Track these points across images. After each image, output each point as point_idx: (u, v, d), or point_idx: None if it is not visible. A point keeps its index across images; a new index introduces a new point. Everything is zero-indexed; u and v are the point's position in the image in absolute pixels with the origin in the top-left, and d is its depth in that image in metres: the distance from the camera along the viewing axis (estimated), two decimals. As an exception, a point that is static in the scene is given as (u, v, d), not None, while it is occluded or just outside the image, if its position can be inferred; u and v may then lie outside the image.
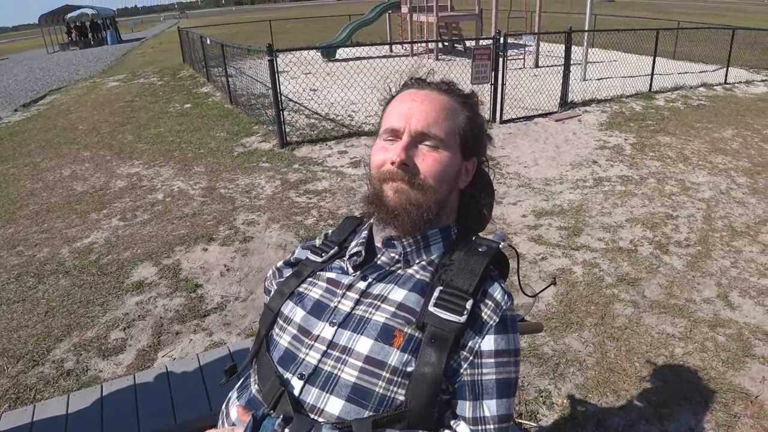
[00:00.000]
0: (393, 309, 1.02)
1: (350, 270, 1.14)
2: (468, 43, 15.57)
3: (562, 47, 8.96)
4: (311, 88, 10.05)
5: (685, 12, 36.41)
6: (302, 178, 6.08)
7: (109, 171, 6.66)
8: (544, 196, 5.43)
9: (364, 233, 1.19)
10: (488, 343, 1.00)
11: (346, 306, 1.06)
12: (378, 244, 1.16)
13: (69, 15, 33.57)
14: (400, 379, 0.96)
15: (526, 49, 13.26)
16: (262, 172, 6.31)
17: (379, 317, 1.01)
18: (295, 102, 9.58)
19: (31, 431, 2.08)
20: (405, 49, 16.40)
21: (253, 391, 1.06)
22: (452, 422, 1.00)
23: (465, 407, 1.00)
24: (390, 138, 1.10)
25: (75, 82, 15.19)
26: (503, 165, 6.34)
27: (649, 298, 3.65)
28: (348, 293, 1.08)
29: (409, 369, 0.96)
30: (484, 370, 0.99)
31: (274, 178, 6.09)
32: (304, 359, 1.02)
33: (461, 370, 0.99)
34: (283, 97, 7.33)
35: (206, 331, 3.43)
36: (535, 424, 2.58)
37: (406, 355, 0.97)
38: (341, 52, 15.19)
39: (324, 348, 1.01)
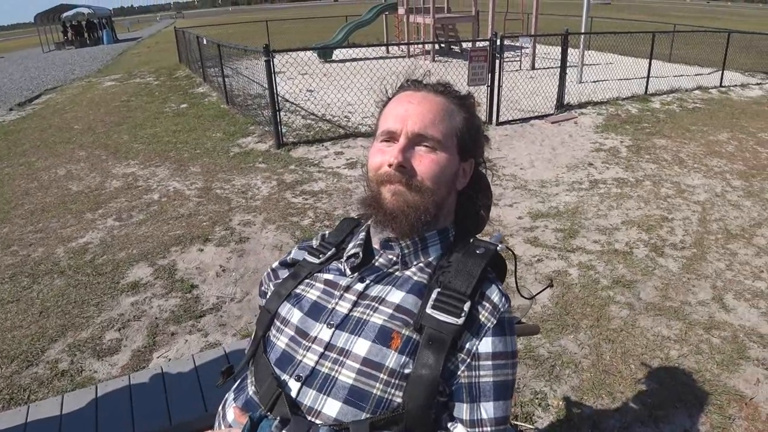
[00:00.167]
0: (390, 311, 1.02)
1: (348, 271, 1.14)
2: (464, 45, 15.58)
3: (558, 49, 8.98)
4: (308, 88, 10.05)
5: (681, 15, 36.55)
6: (298, 178, 6.07)
7: (104, 171, 6.64)
8: (540, 198, 5.44)
9: (362, 235, 1.19)
10: (486, 345, 1.00)
11: (343, 308, 1.06)
12: (376, 245, 1.16)
13: (65, 14, 33.46)
14: (397, 381, 0.96)
15: (523, 51, 13.29)
16: (258, 173, 6.30)
17: (377, 319, 1.01)
18: (292, 103, 9.58)
19: (25, 432, 2.07)
20: (402, 51, 16.41)
21: (250, 392, 1.05)
22: (449, 424, 1.00)
23: (462, 409, 1.00)
24: (387, 140, 1.10)
25: (70, 82, 15.14)
26: (499, 167, 6.34)
27: (645, 300, 3.66)
28: (345, 295, 1.08)
29: (407, 371, 0.96)
30: (482, 373, 0.99)
31: (270, 179, 6.08)
32: (301, 361, 1.02)
33: (458, 372, 0.99)
34: (279, 98, 7.32)
35: (202, 331, 3.42)
36: (531, 426, 2.58)
37: (404, 357, 0.97)
38: (338, 53, 15.18)
39: (321, 350, 1.01)
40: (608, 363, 3.03)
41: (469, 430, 0.99)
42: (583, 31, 11.00)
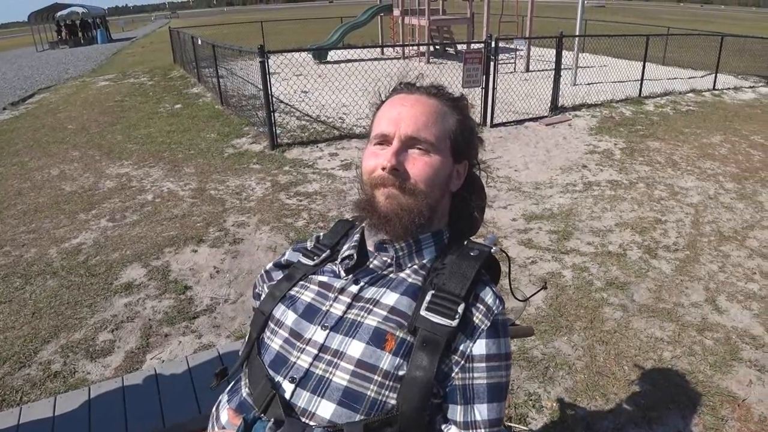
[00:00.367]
0: (385, 313, 1.02)
1: (342, 273, 1.14)
2: (459, 47, 15.60)
3: (552, 52, 9.01)
4: (302, 89, 10.04)
5: (675, 18, 36.72)
6: (293, 180, 6.06)
7: (98, 171, 6.62)
8: (534, 200, 5.45)
9: (356, 237, 1.19)
10: (480, 347, 1.00)
11: (338, 310, 1.06)
12: (370, 247, 1.16)
13: (59, 13, 33.35)
14: (391, 383, 0.96)
15: (517, 53, 13.33)
16: (252, 174, 6.29)
17: (371, 321, 1.01)
18: (286, 104, 9.57)
19: (17, 434, 2.06)
20: (396, 52, 16.42)
21: (244, 394, 1.05)
22: (443, 426, 1.01)
23: (456, 411, 1.00)
24: (380, 143, 1.10)
25: (64, 81, 15.07)
26: (494, 169, 6.35)
27: (638, 302, 3.68)
28: (340, 297, 1.08)
29: (401, 373, 0.96)
30: (476, 374, 1.00)
31: (265, 180, 6.07)
32: (295, 363, 1.02)
33: (452, 374, 0.99)
34: (274, 99, 7.31)
35: (195, 333, 3.41)
36: (524, 428, 2.58)
37: (398, 359, 0.97)
38: (333, 54, 15.18)
39: (315, 351, 1.01)
40: (602, 364, 3.04)
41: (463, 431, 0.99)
42: (577, 33, 11.03)
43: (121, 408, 2.18)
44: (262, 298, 1.23)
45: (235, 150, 7.25)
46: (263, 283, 1.41)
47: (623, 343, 3.23)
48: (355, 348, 0.99)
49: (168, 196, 5.66)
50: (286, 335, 1.07)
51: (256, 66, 7.11)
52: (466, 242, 1.15)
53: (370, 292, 1.07)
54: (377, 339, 0.99)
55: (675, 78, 12.05)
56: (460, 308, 0.99)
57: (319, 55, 14.79)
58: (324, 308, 1.08)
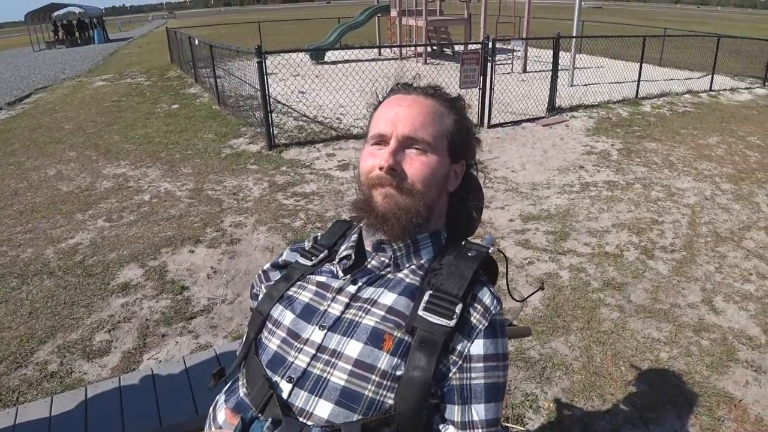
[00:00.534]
0: (383, 313, 1.02)
1: (340, 274, 1.14)
2: (456, 48, 15.62)
3: (550, 53, 9.02)
4: (300, 90, 10.03)
5: (672, 19, 36.81)
6: (290, 180, 6.06)
7: (95, 171, 6.61)
8: (531, 201, 5.46)
9: (354, 237, 1.19)
10: (477, 347, 1.00)
11: (335, 310, 1.06)
12: (368, 248, 1.16)
13: (56, 13, 33.32)
14: (389, 383, 0.96)
15: (515, 54, 13.35)
16: (249, 174, 6.29)
17: (369, 321, 1.02)
18: (284, 104, 9.56)
19: (14, 434, 2.05)
20: (394, 53, 16.43)
21: (241, 394, 1.05)
22: (441, 426, 1.01)
23: (454, 411, 1.00)
24: (378, 143, 1.11)
25: (61, 81, 15.05)
26: (491, 169, 6.36)
27: (635, 302, 3.68)
28: (338, 297, 1.08)
29: (399, 373, 0.96)
30: (473, 374, 1.00)
31: (262, 180, 6.07)
32: (293, 362, 1.02)
33: (450, 374, 0.99)
34: (271, 99, 7.31)
35: (192, 333, 3.41)
36: (522, 428, 2.59)
37: (396, 358, 0.97)
38: (330, 55, 15.18)
39: (313, 351, 1.01)
40: (599, 365, 3.04)
41: (460, 431, 0.99)
42: (574, 34, 11.06)
43: (118, 408, 2.18)
44: (259, 299, 1.22)
45: (232, 150, 7.24)
46: (261, 284, 1.41)
47: (620, 343, 3.23)
48: (353, 348, 0.99)
49: (165, 197, 5.66)
50: (284, 335, 1.07)
51: (254, 66, 7.11)
52: (463, 243, 1.15)
53: (368, 292, 1.07)
54: (375, 339, 0.99)
55: (672, 79, 12.08)
56: (458, 308, 0.99)
57: (317, 55, 14.79)
58: (322, 308, 1.08)
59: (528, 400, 2.77)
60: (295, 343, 1.04)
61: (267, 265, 1.42)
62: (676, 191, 5.73)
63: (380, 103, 1.18)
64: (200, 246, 4.51)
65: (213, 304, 3.72)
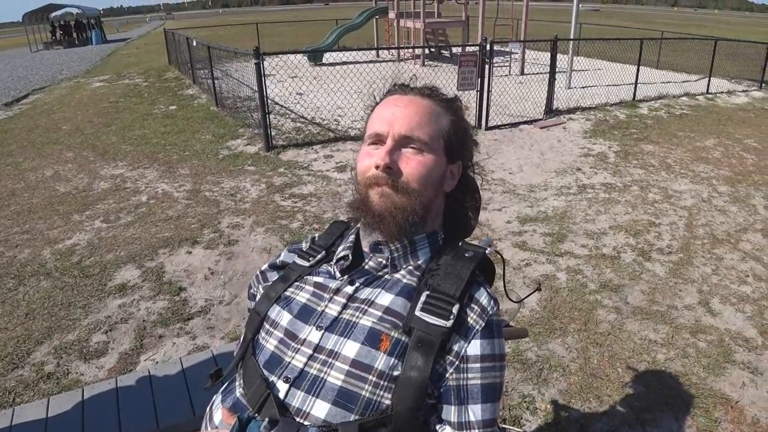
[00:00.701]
0: (380, 313, 1.03)
1: (337, 274, 1.14)
2: (454, 50, 15.65)
3: (547, 55, 9.04)
4: (297, 91, 10.04)
5: (669, 22, 36.91)
6: (288, 181, 6.06)
7: (92, 172, 6.60)
8: (528, 203, 5.47)
9: (351, 237, 1.20)
10: (474, 347, 1.01)
11: (333, 310, 1.06)
12: (365, 248, 1.16)
13: (53, 14, 33.26)
14: (386, 383, 0.96)
15: (512, 56, 13.36)
16: (247, 176, 6.29)
17: (366, 321, 1.02)
18: (282, 105, 9.56)
19: (10, 435, 2.05)
20: (392, 55, 16.45)
21: (238, 394, 1.05)
22: (438, 426, 1.01)
23: (450, 411, 1.00)
24: (375, 143, 1.11)
25: (59, 82, 15.02)
26: (488, 171, 6.35)
27: (632, 304, 3.69)
28: (335, 297, 1.08)
29: (396, 373, 0.96)
30: (470, 375, 1.00)
31: (260, 182, 6.06)
32: (290, 363, 1.02)
33: (447, 375, 1.00)
34: (269, 101, 7.31)
35: (190, 334, 3.40)
36: (519, 430, 2.59)
37: (393, 359, 0.97)
38: (328, 57, 15.19)
39: (310, 352, 1.01)
40: (596, 366, 3.04)
41: (457, 432, 0.99)
42: (572, 37, 11.09)
43: (115, 409, 2.17)
44: (257, 299, 1.22)
45: (230, 151, 7.24)
46: (258, 284, 1.41)
47: (617, 345, 3.24)
48: (350, 348, 0.99)
49: (162, 198, 5.65)
50: (281, 336, 1.07)
51: (252, 68, 7.11)
52: (460, 244, 1.15)
53: (366, 293, 1.08)
54: (372, 339, 0.99)
55: (669, 82, 12.12)
56: (455, 309, 1.00)
57: (315, 57, 14.79)
58: (319, 309, 1.08)
59: (525, 402, 2.77)
60: (293, 344, 1.04)
61: (265, 266, 1.43)
62: (673, 193, 5.74)
63: (377, 103, 1.19)
64: (197, 247, 4.51)
65: (210, 306, 3.72)
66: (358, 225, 1.17)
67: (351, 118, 8.43)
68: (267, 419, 0.95)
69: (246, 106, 9.09)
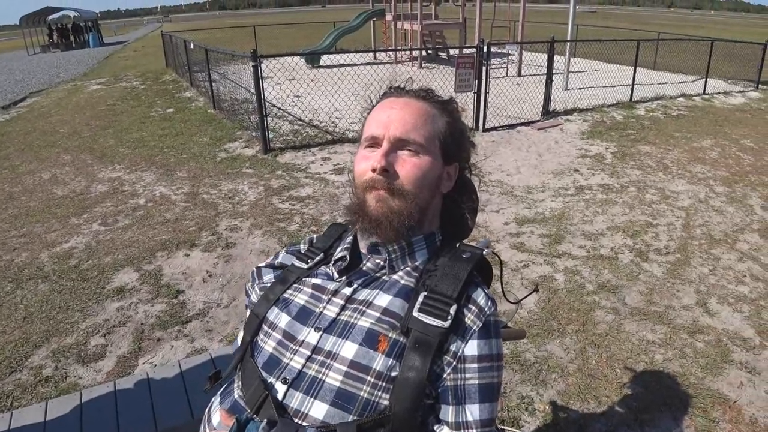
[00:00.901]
0: (378, 314, 1.03)
1: (336, 276, 1.15)
2: (452, 52, 15.67)
3: (544, 56, 9.06)
4: (295, 94, 10.05)
5: (666, 23, 36.99)
6: (285, 184, 6.06)
7: (90, 175, 6.59)
8: (526, 204, 5.47)
9: (349, 239, 1.20)
10: (471, 347, 1.01)
11: (331, 311, 1.07)
12: (363, 250, 1.16)
13: (51, 17, 33.18)
14: (384, 384, 0.96)
15: (509, 58, 13.39)
16: (245, 178, 6.29)
17: (364, 322, 1.02)
18: (279, 108, 9.57)
19: (8, 439, 2.05)
20: (389, 57, 16.46)
21: (236, 396, 1.05)
22: (436, 427, 1.01)
23: (448, 412, 1.00)
24: (371, 146, 1.12)
25: (56, 85, 15.01)
26: (486, 173, 6.37)
27: (630, 305, 3.70)
28: (333, 299, 1.09)
29: (394, 374, 0.97)
30: (467, 375, 1.00)
31: (257, 184, 6.06)
32: (288, 364, 1.02)
33: (445, 375, 1.00)
34: (266, 103, 7.32)
35: (188, 337, 3.40)
36: (517, 430, 2.59)
37: (391, 359, 0.97)
38: (325, 59, 15.20)
39: (308, 353, 1.02)
40: (594, 367, 3.05)
41: (455, 432, 0.99)
42: (569, 38, 11.10)
43: (113, 413, 2.17)
44: (253, 299, 1.23)
45: (227, 154, 7.24)
46: (254, 281, 1.41)
47: (615, 345, 3.24)
48: (348, 349, 0.99)
49: (160, 200, 5.65)
50: (280, 337, 1.07)
51: (249, 70, 7.11)
52: (458, 245, 1.16)
53: (363, 294, 1.08)
54: (370, 340, 0.99)
55: (666, 82, 12.15)
56: (452, 309, 1.00)
57: (312, 59, 14.81)
58: (317, 310, 1.08)
59: (523, 403, 2.77)
60: (291, 345, 1.05)
61: (262, 264, 1.43)
62: (671, 194, 5.75)
63: (373, 106, 1.19)
64: (195, 250, 4.51)
65: (208, 308, 3.71)
66: (356, 227, 1.17)
67: (348, 121, 8.44)
68: (265, 420, 0.95)
69: (243, 109, 9.10)
